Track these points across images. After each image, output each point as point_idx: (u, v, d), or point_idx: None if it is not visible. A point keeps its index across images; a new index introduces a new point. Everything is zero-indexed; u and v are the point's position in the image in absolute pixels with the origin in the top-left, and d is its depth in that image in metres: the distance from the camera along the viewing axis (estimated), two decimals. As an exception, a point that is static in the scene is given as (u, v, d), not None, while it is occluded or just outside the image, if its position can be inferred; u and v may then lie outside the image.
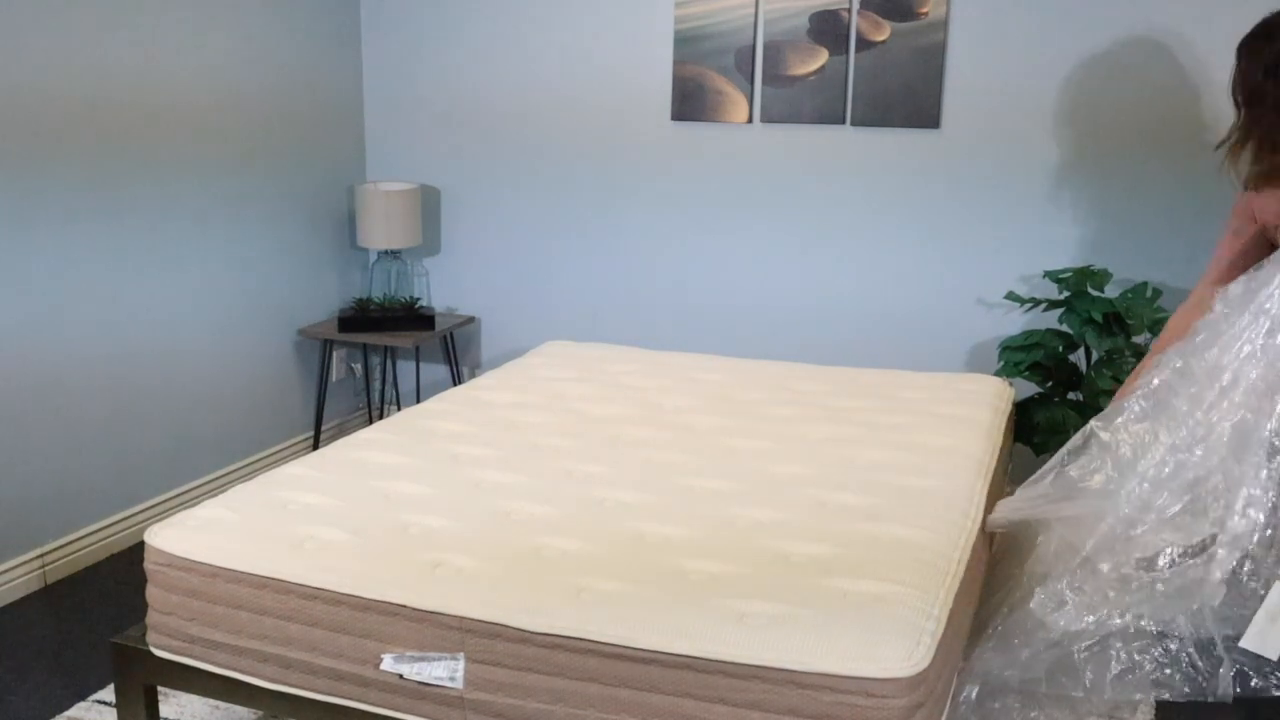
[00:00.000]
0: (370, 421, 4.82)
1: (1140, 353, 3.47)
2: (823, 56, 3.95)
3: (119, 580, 3.45)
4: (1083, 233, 3.82)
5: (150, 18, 3.55)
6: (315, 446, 4.48)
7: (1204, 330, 2.21)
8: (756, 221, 4.18)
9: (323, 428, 4.54)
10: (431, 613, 2.09)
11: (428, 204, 4.60)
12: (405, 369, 4.81)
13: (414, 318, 4.35)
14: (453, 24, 4.42)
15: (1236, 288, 2.22)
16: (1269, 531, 2.04)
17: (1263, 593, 2.00)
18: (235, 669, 2.28)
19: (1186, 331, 2.29)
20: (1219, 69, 3.57)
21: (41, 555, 3.39)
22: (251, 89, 4.00)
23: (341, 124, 4.49)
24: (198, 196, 3.82)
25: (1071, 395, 3.67)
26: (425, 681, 2.10)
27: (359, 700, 2.18)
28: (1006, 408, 3.26)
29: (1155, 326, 3.44)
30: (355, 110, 4.56)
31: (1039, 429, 3.53)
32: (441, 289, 4.68)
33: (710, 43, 4.07)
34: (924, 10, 3.81)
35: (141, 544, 3.70)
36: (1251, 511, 2.03)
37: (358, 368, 4.77)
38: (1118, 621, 2.12)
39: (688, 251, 4.29)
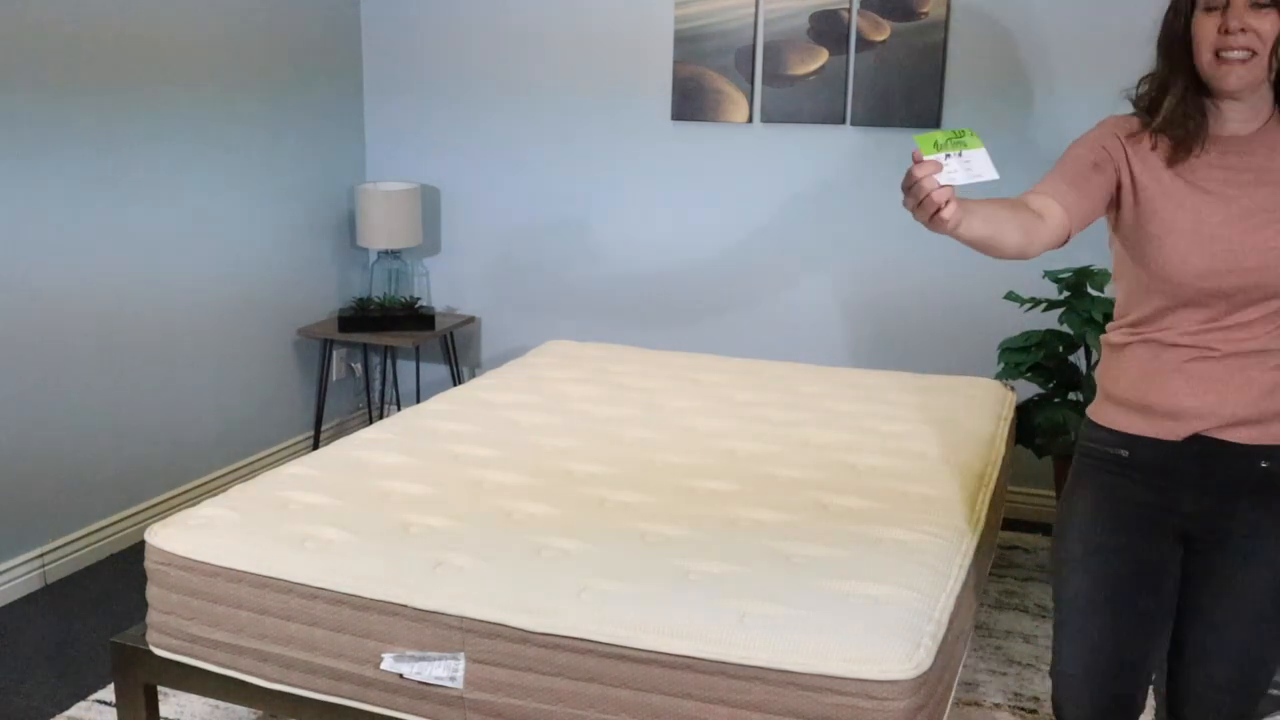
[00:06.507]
0: (370, 421, 4.81)
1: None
2: (823, 56, 3.95)
3: (119, 580, 3.45)
4: (1083, 233, 3.81)
5: (149, 16, 3.55)
6: (315, 446, 4.48)
7: None
8: (756, 221, 4.17)
9: (323, 428, 4.54)
10: (431, 613, 2.09)
11: (428, 204, 4.60)
12: (405, 369, 4.81)
13: (414, 318, 4.34)
14: (453, 24, 4.41)
15: None
16: None
17: None
18: (235, 668, 2.28)
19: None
20: (1220, 70, 3.56)
21: (41, 555, 3.39)
22: (252, 90, 4.00)
23: (341, 124, 4.49)
24: (199, 196, 3.82)
25: (1072, 396, 3.66)
26: (425, 681, 2.10)
27: (359, 700, 2.18)
28: (1009, 415, 3.25)
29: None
30: (355, 110, 4.56)
31: (1040, 431, 3.52)
32: (441, 289, 4.67)
33: (710, 43, 4.06)
34: (924, 10, 3.81)
35: (141, 544, 3.69)
36: None
37: (358, 367, 4.76)
38: None
39: (687, 251, 4.29)
